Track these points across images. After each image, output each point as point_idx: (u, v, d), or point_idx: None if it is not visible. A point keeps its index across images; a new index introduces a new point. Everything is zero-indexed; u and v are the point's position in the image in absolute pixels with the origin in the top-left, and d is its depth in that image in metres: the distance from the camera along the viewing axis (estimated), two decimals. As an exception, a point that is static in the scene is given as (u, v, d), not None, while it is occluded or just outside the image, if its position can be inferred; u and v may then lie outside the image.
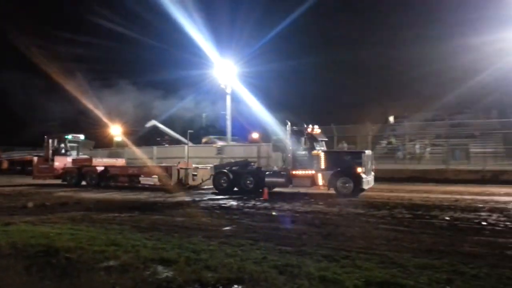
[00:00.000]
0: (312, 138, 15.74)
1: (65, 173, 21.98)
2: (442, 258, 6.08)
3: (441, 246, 7.00)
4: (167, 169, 18.61)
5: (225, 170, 16.87)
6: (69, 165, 22.37)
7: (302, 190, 16.13)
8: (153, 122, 42.69)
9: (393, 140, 30.58)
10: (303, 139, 15.66)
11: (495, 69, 28.82)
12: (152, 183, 18.82)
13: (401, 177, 21.75)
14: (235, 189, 16.54)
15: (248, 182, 16.36)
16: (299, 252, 6.53)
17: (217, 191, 16.77)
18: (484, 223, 9.20)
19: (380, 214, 10.63)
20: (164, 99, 38.02)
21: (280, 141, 31.46)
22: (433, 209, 11.30)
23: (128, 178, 19.70)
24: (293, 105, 33.85)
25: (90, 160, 21.72)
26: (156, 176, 18.68)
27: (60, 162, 22.61)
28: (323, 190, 15.37)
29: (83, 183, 21.11)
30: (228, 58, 32.47)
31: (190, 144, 33.94)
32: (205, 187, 18.96)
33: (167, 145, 34.31)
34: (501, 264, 5.78)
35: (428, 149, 27.36)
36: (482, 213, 10.56)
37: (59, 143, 23.65)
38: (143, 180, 19.11)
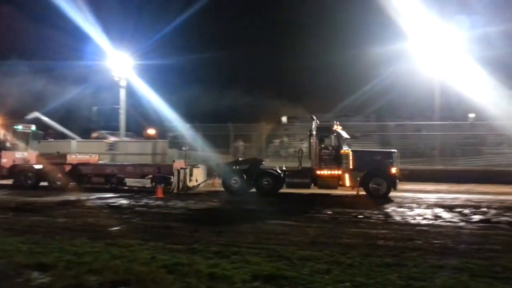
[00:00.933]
0: (339, 136, 14.66)
1: (17, 173, 17.62)
2: (323, 250, 6.55)
3: (323, 238, 7.55)
4: (160, 168, 16.22)
5: (237, 170, 15.23)
6: (21, 161, 18.40)
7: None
8: (35, 114, 38.70)
9: (285, 139, 32.12)
10: (332, 136, 14.53)
11: (383, 78, 32.17)
12: (141, 185, 16.29)
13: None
14: (253, 190, 15.06)
15: (265, 182, 14.79)
16: (190, 250, 6.49)
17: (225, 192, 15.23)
18: (360, 216, 10.17)
19: (271, 209, 11.08)
20: (49, 89, 34.67)
21: (176, 137, 31.17)
22: (318, 204, 12.13)
23: (104, 178, 16.74)
24: (191, 101, 33.45)
25: (64, 156, 17.85)
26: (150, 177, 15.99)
27: (8, 159, 18.06)
28: (349, 191, 14.54)
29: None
30: (123, 50, 30.88)
31: (78, 139, 31.58)
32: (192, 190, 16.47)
33: (51, 139, 31.39)
34: (372, 253, 6.43)
35: (305, 146, 29.25)
36: (360, 207, 11.63)
37: (4, 135, 18.73)
38: (131, 181, 16.57)
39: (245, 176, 14.90)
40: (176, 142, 29.78)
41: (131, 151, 27.31)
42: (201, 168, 17.19)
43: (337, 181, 14.27)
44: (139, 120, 37.54)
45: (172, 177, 15.27)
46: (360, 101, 34.28)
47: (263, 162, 16.21)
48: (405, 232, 8.30)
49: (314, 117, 15.27)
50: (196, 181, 16.58)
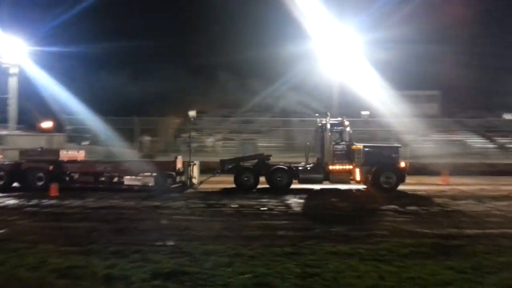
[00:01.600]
0: (348, 132, 14.88)
1: None
2: (226, 243, 6.63)
3: (227, 231, 7.64)
4: (167, 165, 14.68)
5: (249, 166, 14.88)
6: None
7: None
8: None
9: (193, 133, 31.84)
10: (345, 132, 14.73)
11: (290, 76, 33.43)
12: (140, 184, 14.25)
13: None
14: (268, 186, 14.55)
15: (278, 179, 14.38)
16: (86, 252, 6.11)
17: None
18: (263, 208, 10.49)
19: (176, 205, 10.90)
20: None
21: (76, 131, 29.02)
22: (224, 198, 12.22)
23: (94, 177, 14.88)
24: (96, 93, 31.31)
25: (56, 152, 15.42)
26: (149, 175, 14.32)
27: None
28: (357, 185, 14.73)
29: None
30: (15, 34, 27.60)
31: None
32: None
33: None
34: (273, 244, 6.67)
35: (211, 140, 29.48)
36: (263, 200, 11.98)
37: None
38: (129, 180, 14.46)
39: (256, 172, 14.62)
40: (75, 136, 27.78)
41: (22, 145, 24.82)
42: (197, 164, 15.78)
43: (349, 176, 14.45)
44: (34, 111, 34.22)
45: (174, 174, 14.41)
46: (268, 98, 35.25)
47: (270, 158, 15.63)
48: (304, 221, 8.77)
49: (328, 113, 15.30)
50: (195, 178, 15.36)
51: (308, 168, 14.86)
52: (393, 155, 14.71)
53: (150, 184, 14.05)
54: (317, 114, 16.61)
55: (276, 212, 10.09)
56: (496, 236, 7.27)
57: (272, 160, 15.61)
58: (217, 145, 29.47)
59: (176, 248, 6.30)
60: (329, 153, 14.64)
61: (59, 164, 14.90)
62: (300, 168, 14.82)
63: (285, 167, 14.64)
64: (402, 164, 14.38)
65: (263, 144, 28.23)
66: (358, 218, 9.42)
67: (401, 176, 14.25)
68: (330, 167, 14.50)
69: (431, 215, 9.78)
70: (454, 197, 12.58)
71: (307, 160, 15.69)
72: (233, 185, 14.56)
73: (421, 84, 38.55)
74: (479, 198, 12.34)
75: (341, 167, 14.50)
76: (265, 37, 35.12)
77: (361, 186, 15.01)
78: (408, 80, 35.38)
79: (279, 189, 14.06)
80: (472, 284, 4.76)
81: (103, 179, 14.87)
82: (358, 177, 14.33)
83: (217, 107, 39.39)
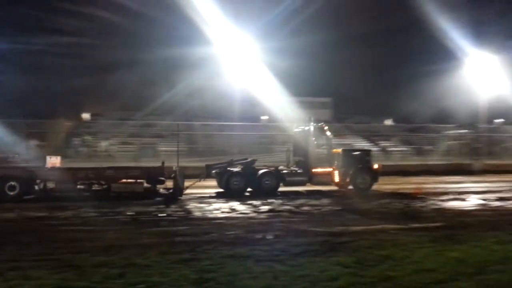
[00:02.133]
0: (328, 136, 15.69)
1: None
2: (119, 253, 6.28)
3: (121, 241, 7.24)
4: (150, 171, 13.74)
5: (238, 170, 14.80)
6: None
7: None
8: None
9: (87, 137, 29.86)
10: (325, 137, 15.59)
11: (192, 80, 33.04)
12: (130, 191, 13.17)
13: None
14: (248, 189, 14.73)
15: (266, 182, 14.59)
16: None
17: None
18: (161, 214, 10.20)
19: (64, 215, 10.06)
20: None
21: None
22: (120, 206, 11.60)
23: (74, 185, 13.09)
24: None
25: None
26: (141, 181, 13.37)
27: None
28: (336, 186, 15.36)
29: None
30: None
31: None
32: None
33: None
34: (170, 251, 6.50)
35: (104, 145, 28.11)
36: (161, 205, 11.65)
37: None
38: (117, 187, 13.19)
39: (245, 176, 14.67)
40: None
41: None
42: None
43: (329, 178, 15.14)
44: None
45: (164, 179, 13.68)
46: (170, 102, 34.57)
47: (256, 162, 15.83)
48: (203, 226, 8.72)
49: (312, 118, 15.73)
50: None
51: (293, 171, 15.35)
52: (367, 158, 16.00)
53: (138, 191, 13.23)
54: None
55: (174, 218, 9.88)
56: (377, 232, 8.00)
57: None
58: (112, 149, 27.97)
59: (62, 262, 5.79)
60: (313, 156, 15.30)
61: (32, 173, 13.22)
62: (286, 171, 15.29)
63: (273, 171, 15.03)
64: (375, 166, 15.81)
65: (164, 149, 27.54)
66: (254, 220, 9.65)
67: (374, 176, 15.51)
68: (313, 170, 15.10)
69: (323, 215, 10.46)
70: (345, 196, 13.64)
71: (288, 164, 16.26)
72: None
73: (315, 92, 41.33)
74: (366, 197, 13.52)
75: (323, 169, 15.20)
76: (167, 39, 34.41)
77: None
78: (303, 87, 37.68)
79: (267, 192, 14.24)
80: (356, 278, 5.16)
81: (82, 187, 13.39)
82: (337, 179, 15.20)
83: (115, 110, 37.53)
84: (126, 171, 14.00)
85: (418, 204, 12.15)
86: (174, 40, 33.61)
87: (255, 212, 10.79)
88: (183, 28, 30.68)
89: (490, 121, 37.90)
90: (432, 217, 9.97)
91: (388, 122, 42.74)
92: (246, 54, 28.47)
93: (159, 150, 27.46)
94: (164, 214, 10.26)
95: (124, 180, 13.41)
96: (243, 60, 28.64)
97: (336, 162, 15.43)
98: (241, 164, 15.48)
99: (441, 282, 4.94)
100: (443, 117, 38.98)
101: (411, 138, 36.47)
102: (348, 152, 16.13)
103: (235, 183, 14.56)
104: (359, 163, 15.65)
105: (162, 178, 13.74)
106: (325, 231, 8.12)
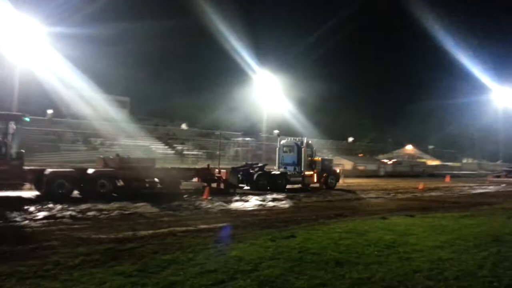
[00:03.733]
0: (312, 147, 21.58)
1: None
2: None
3: None
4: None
5: (261, 173, 19.06)
6: None
7: None
8: None
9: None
10: (311, 149, 21.26)
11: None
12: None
13: None
14: (268, 188, 18.43)
15: (279, 182, 19.11)
16: None
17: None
18: None
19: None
20: None
21: None
22: None
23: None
24: None
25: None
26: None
27: None
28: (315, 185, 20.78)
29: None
30: None
31: None
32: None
33: None
34: None
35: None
36: None
37: None
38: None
39: (269, 178, 19.00)
40: None
41: None
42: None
43: (313, 179, 20.47)
44: None
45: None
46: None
47: (266, 166, 20.47)
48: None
49: (305, 138, 21.69)
50: None
51: (293, 174, 20.29)
52: (332, 164, 22.86)
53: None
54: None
55: None
56: (165, 235, 7.89)
57: None
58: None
59: None
60: (305, 163, 20.44)
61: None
62: (289, 174, 20.14)
63: (286, 174, 19.89)
64: (338, 170, 23.06)
65: None
66: (27, 229, 8.27)
67: (338, 177, 22.14)
68: (305, 173, 20.33)
69: (111, 220, 9.76)
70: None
71: (278, 168, 21.07)
72: None
73: (112, 89, 39.15)
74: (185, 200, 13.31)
75: (310, 173, 20.46)
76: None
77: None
78: (101, 84, 35.19)
79: (281, 190, 18.36)
80: (138, 287, 4.86)
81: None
82: (315, 180, 20.58)
83: None
84: (184, 172, 16.87)
85: (208, 206, 12.73)
86: None
87: (28, 219, 9.28)
88: None
89: (270, 131, 43.46)
90: (218, 217, 10.54)
91: (184, 126, 44.10)
92: (30, 37, 24.72)
93: None
94: None
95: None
96: (25, 43, 24.73)
97: (317, 167, 20.80)
98: (258, 168, 19.74)
99: (221, 282, 5.09)
100: (231, 126, 42.67)
101: (204, 143, 38.48)
102: (323, 160, 22.19)
103: (260, 182, 18.49)
104: (329, 168, 21.86)
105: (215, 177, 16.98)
106: (111, 237, 7.54)
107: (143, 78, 41.85)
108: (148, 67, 42.75)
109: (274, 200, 14.87)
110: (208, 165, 17.58)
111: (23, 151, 13.01)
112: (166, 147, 33.36)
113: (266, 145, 39.15)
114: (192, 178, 16.51)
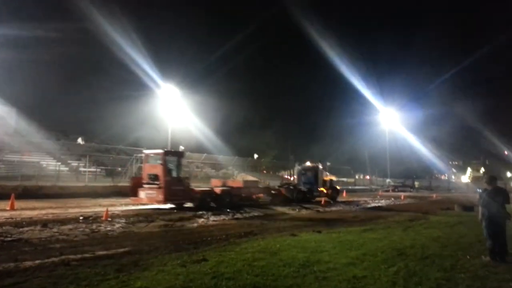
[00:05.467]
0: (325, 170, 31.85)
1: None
2: None
3: None
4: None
5: (299, 188, 25.85)
6: None
7: None
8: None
9: None
10: (323, 172, 30.15)
11: None
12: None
13: None
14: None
15: (308, 196, 25.49)
16: None
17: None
18: None
19: None
20: None
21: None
22: None
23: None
24: None
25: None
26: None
27: None
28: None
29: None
30: None
31: None
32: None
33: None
34: None
35: None
36: None
37: None
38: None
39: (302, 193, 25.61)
40: None
41: None
42: None
43: (325, 194, 26.38)
44: None
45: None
46: None
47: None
48: None
49: (320, 163, 29.99)
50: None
51: (314, 190, 26.14)
52: (333, 183, 29.42)
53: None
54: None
55: None
56: (56, 265, 6.82)
57: None
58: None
59: None
60: (320, 182, 26.99)
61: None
62: (313, 190, 26.07)
63: (306, 189, 25.75)
64: (338, 187, 30.04)
65: None
66: None
67: (338, 192, 28.73)
68: (321, 189, 26.39)
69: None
70: (18, 224, 11.39)
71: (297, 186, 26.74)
72: None
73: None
74: (45, 222, 11.75)
75: (323, 190, 26.49)
76: None
77: None
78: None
79: (299, 201, 23.62)
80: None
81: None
82: (325, 194, 26.06)
83: None
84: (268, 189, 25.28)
85: (107, 227, 11.56)
86: None
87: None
88: None
89: (175, 147, 42.19)
90: (119, 241, 9.55)
91: (80, 140, 40.73)
92: None
93: None
94: None
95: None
96: None
97: (327, 184, 27.43)
98: (292, 185, 26.74)
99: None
100: (136, 141, 40.49)
101: (103, 159, 35.78)
102: (331, 180, 29.21)
103: (296, 195, 24.53)
104: (333, 185, 28.36)
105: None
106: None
107: (33, 87, 37.86)
108: (40, 76, 38.85)
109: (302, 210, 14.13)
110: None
111: None
112: (59, 163, 30.22)
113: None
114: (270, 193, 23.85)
